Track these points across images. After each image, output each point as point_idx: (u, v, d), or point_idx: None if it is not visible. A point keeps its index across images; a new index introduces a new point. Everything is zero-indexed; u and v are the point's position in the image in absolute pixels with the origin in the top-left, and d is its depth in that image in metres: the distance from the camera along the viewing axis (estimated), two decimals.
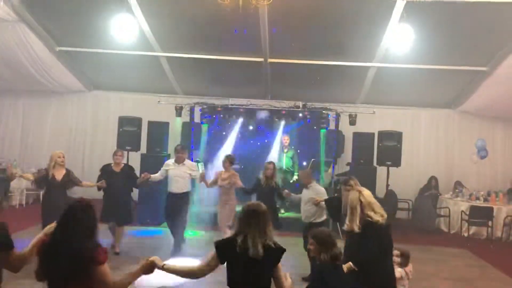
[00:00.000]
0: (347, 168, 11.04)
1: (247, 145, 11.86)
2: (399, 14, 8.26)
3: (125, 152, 10.09)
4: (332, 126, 11.04)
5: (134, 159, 9.85)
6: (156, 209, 9.45)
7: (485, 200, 10.73)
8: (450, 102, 12.12)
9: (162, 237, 8.77)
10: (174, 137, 11.51)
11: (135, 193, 10.03)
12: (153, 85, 12.13)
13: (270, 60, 10.20)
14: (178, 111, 11.10)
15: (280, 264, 3.21)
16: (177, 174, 7.75)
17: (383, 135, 10.13)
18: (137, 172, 8.47)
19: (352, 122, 10.63)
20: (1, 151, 12.76)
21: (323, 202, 6.67)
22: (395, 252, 5.02)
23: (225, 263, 3.21)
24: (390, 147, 9.97)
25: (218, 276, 3.59)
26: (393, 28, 8.64)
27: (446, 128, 12.48)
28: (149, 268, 3.21)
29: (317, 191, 6.93)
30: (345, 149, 11.71)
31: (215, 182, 8.05)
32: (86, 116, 12.91)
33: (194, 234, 8.87)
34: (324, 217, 6.86)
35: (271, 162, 8.09)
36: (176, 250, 7.61)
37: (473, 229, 10.22)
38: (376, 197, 10.08)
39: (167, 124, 10.82)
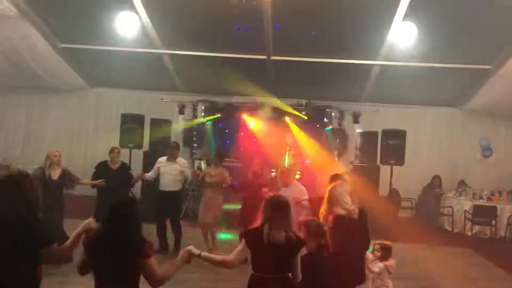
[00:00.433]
0: (350, 166, 11.01)
1: (249, 143, 11.83)
2: (404, 12, 8.21)
3: (128, 150, 10.13)
4: (335, 124, 11.02)
5: (137, 157, 9.83)
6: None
7: (489, 199, 10.67)
8: (454, 101, 12.06)
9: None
10: (177, 135, 11.52)
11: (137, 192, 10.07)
12: (155, 82, 12.10)
13: (273, 57, 10.16)
14: (181, 108, 11.09)
15: (297, 256, 3.53)
16: (168, 171, 7.61)
17: (387, 133, 10.09)
18: (140, 169, 8.46)
19: (356, 120, 10.60)
20: (4, 148, 12.76)
21: (305, 202, 6.48)
22: (375, 246, 5.06)
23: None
24: (394, 146, 9.94)
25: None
26: (397, 26, 8.58)
27: (450, 127, 12.42)
28: (188, 258, 3.39)
29: (298, 190, 6.76)
30: (348, 147, 11.68)
31: (203, 179, 7.73)
32: (89, 113, 12.89)
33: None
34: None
35: (258, 159, 7.81)
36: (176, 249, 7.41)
37: (476, 228, 10.19)
38: (379, 196, 10.10)
39: (169, 121, 10.80)
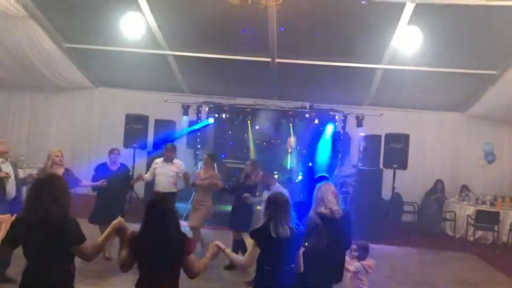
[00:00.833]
0: (353, 170, 11.02)
1: (253, 145, 11.87)
2: (408, 16, 8.23)
3: (132, 150, 10.17)
4: (338, 127, 11.03)
5: (141, 157, 9.88)
6: None
7: (492, 204, 10.66)
8: (458, 105, 12.05)
9: None
10: (181, 136, 11.57)
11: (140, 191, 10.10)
12: (160, 83, 12.15)
13: (277, 60, 10.20)
14: (185, 109, 11.13)
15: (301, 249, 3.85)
16: (164, 172, 7.51)
17: (390, 137, 10.10)
18: (144, 170, 8.47)
19: (359, 123, 10.62)
20: (8, 146, 12.78)
21: None
22: (353, 246, 5.12)
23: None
24: (397, 150, 9.94)
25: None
26: (402, 31, 8.60)
27: (453, 132, 12.40)
28: (217, 252, 3.58)
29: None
30: (351, 151, 11.69)
31: (194, 183, 7.53)
32: (93, 113, 12.94)
33: None
34: None
35: (250, 160, 7.77)
36: None
37: (479, 234, 10.16)
38: (381, 200, 10.10)
39: (173, 122, 10.84)
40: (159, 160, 7.76)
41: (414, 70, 10.05)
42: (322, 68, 10.34)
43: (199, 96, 11.91)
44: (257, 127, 11.87)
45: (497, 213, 10.04)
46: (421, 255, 8.94)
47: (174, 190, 7.54)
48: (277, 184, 6.94)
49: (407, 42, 8.58)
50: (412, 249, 9.29)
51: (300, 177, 10.44)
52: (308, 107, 10.99)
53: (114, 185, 7.02)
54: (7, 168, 6.03)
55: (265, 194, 6.71)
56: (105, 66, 11.74)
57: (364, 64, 10.21)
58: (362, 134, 10.48)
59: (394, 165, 9.94)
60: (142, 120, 10.41)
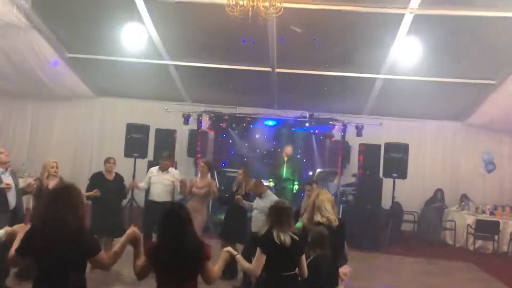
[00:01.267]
0: (353, 179, 11.05)
1: (253, 154, 11.90)
2: (407, 27, 8.29)
3: (132, 159, 10.19)
4: (338, 136, 11.05)
5: (141, 166, 9.90)
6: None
7: (491, 214, 10.66)
8: (458, 115, 12.09)
9: None
10: (181, 145, 11.61)
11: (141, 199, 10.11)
12: (161, 92, 12.22)
13: (277, 70, 10.26)
14: (186, 119, 11.18)
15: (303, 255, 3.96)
16: (160, 181, 7.48)
17: (390, 146, 10.13)
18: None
19: (359, 133, 10.66)
20: (10, 154, 12.82)
21: None
22: None
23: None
24: (397, 159, 9.96)
25: None
26: (401, 41, 8.67)
27: (453, 141, 12.43)
28: (228, 259, 3.64)
29: (271, 200, 6.72)
30: (351, 160, 11.72)
31: (190, 191, 7.49)
32: (94, 122, 13.00)
33: None
34: None
35: (241, 169, 7.68)
36: None
37: (479, 243, 10.16)
38: (381, 209, 10.10)
39: (174, 131, 10.88)
40: (154, 169, 7.74)
41: (413, 80, 10.11)
42: (322, 78, 10.41)
43: (199, 105, 11.96)
44: (257, 136, 11.92)
45: (497, 223, 10.04)
46: (421, 264, 8.93)
47: (169, 199, 7.51)
48: (268, 191, 6.91)
49: (406, 52, 8.67)
50: (412, 258, 9.28)
51: (296, 187, 10.40)
52: (308, 116, 11.03)
53: (110, 195, 6.98)
54: (8, 179, 6.01)
55: (257, 202, 6.78)
56: (106, 76, 11.81)
57: (364, 74, 10.27)
58: (362, 143, 10.49)
59: (394, 174, 9.96)
60: (143, 129, 10.45)
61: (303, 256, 3.96)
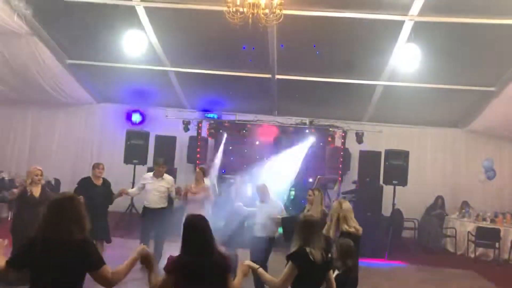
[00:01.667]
0: (353, 186, 11.02)
1: (252, 161, 11.87)
2: (407, 34, 8.31)
3: (132, 166, 10.18)
4: (338, 143, 11.04)
5: (141, 173, 9.87)
6: None
7: (492, 221, 10.62)
8: (458, 122, 12.10)
9: None
10: (181, 151, 11.59)
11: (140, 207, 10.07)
12: (161, 99, 12.22)
13: (277, 76, 10.28)
14: (186, 125, 11.18)
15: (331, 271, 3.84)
16: (155, 188, 7.46)
17: (390, 153, 10.12)
18: None
19: (359, 140, 10.65)
20: (9, 161, 12.85)
21: (277, 218, 6.61)
22: None
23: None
24: (397, 166, 9.95)
25: None
26: (401, 48, 8.68)
27: (453, 148, 12.42)
28: (247, 271, 3.56)
29: (275, 205, 6.87)
30: (351, 167, 11.69)
31: (185, 197, 7.57)
32: (94, 129, 12.99)
33: None
34: (277, 233, 6.81)
35: (237, 176, 7.88)
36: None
37: (479, 250, 10.11)
38: (382, 216, 10.08)
39: (174, 138, 10.87)
40: (148, 176, 7.72)
41: (413, 87, 10.12)
42: (322, 85, 10.41)
43: (199, 112, 11.97)
44: (257, 142, 11.91)
45: (498, 230, 10.00)
46: (421, 272, 8.89)
47: (164, 205, 7.53)
48: (271, 197, 6.96)
49: (406, 59, 8.68)
50: (413, 265, 9.25)
51: (293, 193, 10.40)
52: (308, 123, 11.04)
53: (97, 200, 6.89)
54: None
55: (258, 206, 6.85)
56: (106, 82, 11.82)
57: (364, 81, 10.29)
58: (362, 150, 10.49)
59: (394, 182, 9.94)
60: (142, 135, 10.44)
61: (331, 271, 3.84)
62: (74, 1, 8.47)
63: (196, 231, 3.20)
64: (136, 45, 8.87)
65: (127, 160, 10.20)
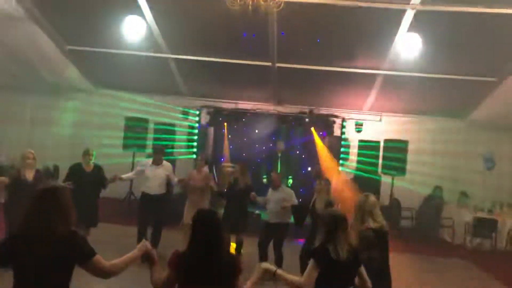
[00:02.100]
0: (352, 175, 11.03)
1: (252, 149, 11.90)
2: (409, 23, 8.26)
3: (131, 152, 10.18)
4: (337, 132, 11.03)
5: (139, 160, 9.88)
6: None
7: (490, 211, 10.66)
8: (458, 112, 12.04)
9: None
10: (180, 139, 11.58)
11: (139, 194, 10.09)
12: (160, 86, 12.17)
13: (278, 64, 10.22)
14: (185, 113, 11.15)
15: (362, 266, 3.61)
16: (154, 175, 7.48)
17: (389, 143, 10.12)
18: None
19: (358, 129, 10.64)
20: (8, 148, 12.82)
21: (288, 205, 6.92)
22: None
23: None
24: (396, 156, 9.95)
25: None
26: (402, 37, 8.63)
27: (452, 138, 12.37)
28: (263, 276, 3.39)
29: (287, 192, 7.18)
30: (350, 156, 11.68)
31: (187, 184, 7.69)
32: (93, 115, 12.93)
33: None
34: (289, 218, 7.12)
35: (238, 164, 7.91)
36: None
37: (477, 241, 10.16)
38: (380, 205, 10.07)
39: (173, 125, 10.85)
40: (145, 162, 7.76)
41: (414, 76, 10.07)
42: (322, 73, 10.36)
43: (199, 99, 11.93)
44: (256, 131, 11.89)
45: (495, 221, 10.04)
46: (419, 261, 8.93)
47: (163, 191, 7.61)
48: (283, 185, 7.33)
49: (407, 48, 8.65)
50: (410, 255, 9.28)
51: (290, 181, 10.46)
52: (307, 111, 11.01)
53: (87, 186, 6.91)
54: None
55: (272, 194, 7.15)
56: (105, 69, 11.75)
57: (364, 70, 10.24)
58: (361, 139, 10.49)
59: (393, 171, 9.95)
60: (141, 123, 10.42)
61: (362, 267, 3.61)
62: None
63: (207, 227, 3.00)
64: (136, 31, 8.82)
65: (126, 147, 10.19)
